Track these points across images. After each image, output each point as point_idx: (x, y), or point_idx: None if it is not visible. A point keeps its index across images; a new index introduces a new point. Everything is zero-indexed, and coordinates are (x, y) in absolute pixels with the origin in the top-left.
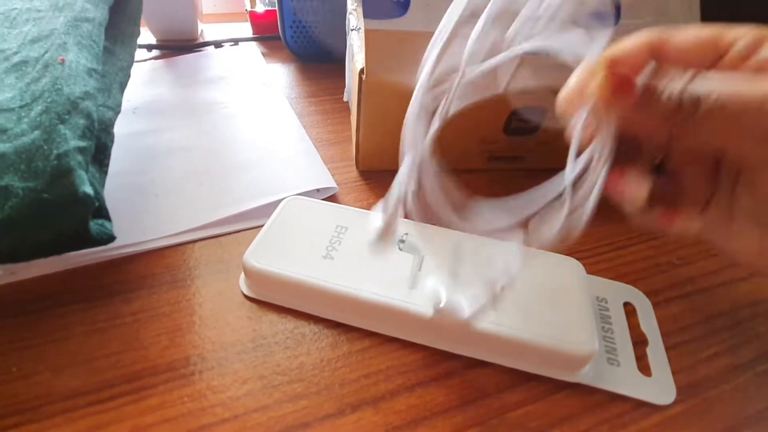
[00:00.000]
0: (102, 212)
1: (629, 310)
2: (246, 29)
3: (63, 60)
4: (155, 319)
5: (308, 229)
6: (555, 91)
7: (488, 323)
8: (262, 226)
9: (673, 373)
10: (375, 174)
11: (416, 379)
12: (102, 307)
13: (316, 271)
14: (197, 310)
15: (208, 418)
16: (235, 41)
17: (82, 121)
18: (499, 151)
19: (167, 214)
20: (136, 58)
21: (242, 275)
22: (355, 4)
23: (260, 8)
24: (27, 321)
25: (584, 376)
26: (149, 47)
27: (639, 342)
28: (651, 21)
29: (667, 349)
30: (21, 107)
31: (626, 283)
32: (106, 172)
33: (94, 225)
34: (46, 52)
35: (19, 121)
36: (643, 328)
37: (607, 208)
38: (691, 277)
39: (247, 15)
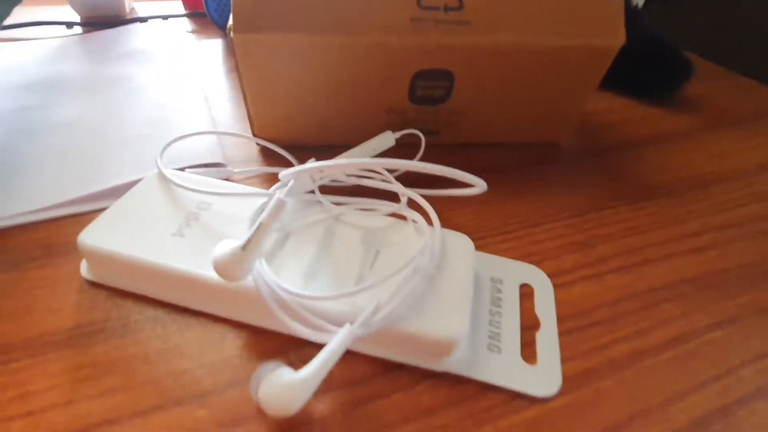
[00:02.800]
0: None
1: (527, 291)
2: (179, 7)
3: None
4: None
5: (165, 206)
6: (458, 51)
7: (342, 303)
8: None
9: (564, 360)
10: (275, 153)
11: (253, 370)
12: None
13: (159, 248)
14: (26, 296)
15: None
16: (164, 17)
17: None
18: (409, 123)
19: (24, 192)
20: (53, 36)
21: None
22: None
23: None
24: None
25: (454, 364)
26: (69, 24)
27: (530, 326)
28: None
29: (562, 334)
30: None
31: (532, 263)
32: None
33: None
34: None
35: None
36: (538, 311)
37: (524, 183)
38: (606, 257)
39: None
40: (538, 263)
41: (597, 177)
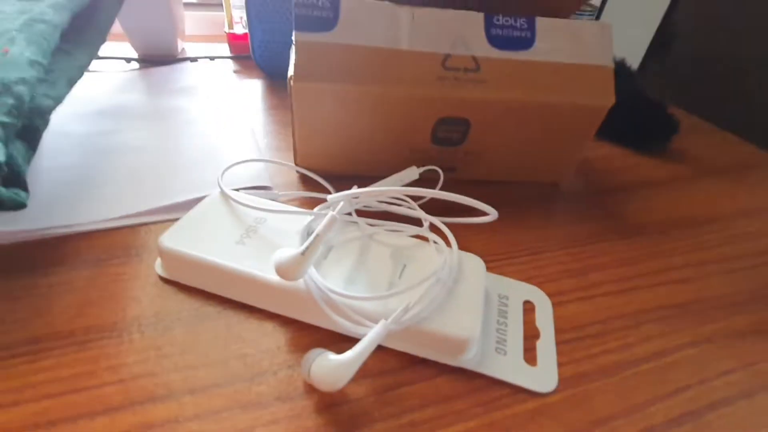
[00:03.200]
0: (20, 183)
1: (529, 307)
2: (225, 49)
3: (7, 51)
4: (69, 293)
5: (228, 219)
6: (475, 104)
7: (377, 304)
8: None
9: (560, 365)
10: (310, 179)
11: (301, 356)
12: (21, 279)
13: (225, 253)
14: (111, 286)
15: (94, 380)
16: (211, 58)
17: (10, 101)
18: (430, 161)
19: (105, 202)
20: (116, 70)
21: (159, 258)
22: None
23: (239, 30)
24: None
25: (468, 361)
26: (128, 60)
27: (532, 336)
28: (566, 44)
29: (559, 343)
30: None
31: (534, 284)
32: (34, 150)
33: (6, 191)
34: None
35: None
36: (538, 323)
37: (530, 216)
38: (599, 282)
39: (226, 36)
40: (539, 285)
41: (593, 214)
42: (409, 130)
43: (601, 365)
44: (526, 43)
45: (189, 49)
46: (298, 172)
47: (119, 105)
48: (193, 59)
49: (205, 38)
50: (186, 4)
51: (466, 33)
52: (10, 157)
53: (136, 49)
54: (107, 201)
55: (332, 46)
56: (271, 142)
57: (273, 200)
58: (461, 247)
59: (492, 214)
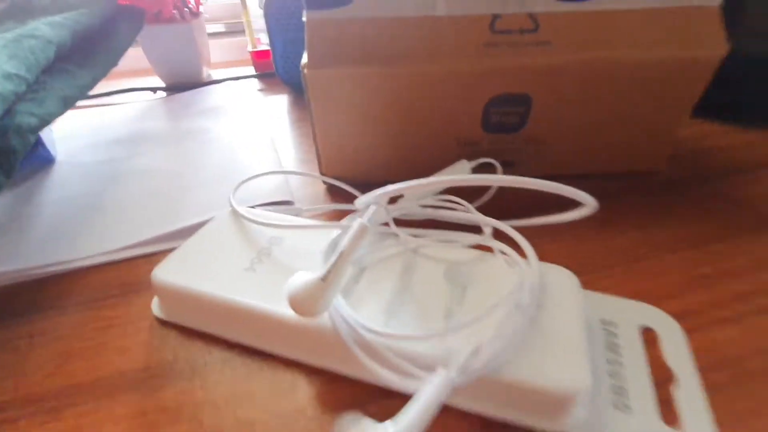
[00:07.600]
0: None
1: (649, 337)
2: (251, 71)
3: None
4: (50, 343)
5: (237, 242)
6: (538, 73)
7: (433, 345)
8: None
9: (718, 425)
10: (340, 190)
11: (328, 423)
12: (1, 329)
13: (230, 284)
14: (99, 334)
15: None
16: (236, 79)
17: None
18: (483, 155)
19: (105, 233)
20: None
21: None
22: None
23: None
24: None
25: (574, 425)
26: (153, 89)
27: (664, 380)
28: None
29: (708, 389)
30: None
31: (647, 302)
32: (8, 174)
33: None
34: None
35: None
36: (669, 361)
37: (622, 214)
38: (743, 293)
39: (250, 56)
40: (656, 302)
41: (706, 206)
42: (454, 117)
43: None
44: None
45: (215, 74)
46: (324, 182)
47: (137, 132)
48: (218, 81)
49: (231, 63)
50: (211, 34)
51: None
52: None
53: (163, 79)
54: (108, 232)
55: (351, 22)
56: (297, 155)
57: (296, 216)
58: None
59: (588, 205)
